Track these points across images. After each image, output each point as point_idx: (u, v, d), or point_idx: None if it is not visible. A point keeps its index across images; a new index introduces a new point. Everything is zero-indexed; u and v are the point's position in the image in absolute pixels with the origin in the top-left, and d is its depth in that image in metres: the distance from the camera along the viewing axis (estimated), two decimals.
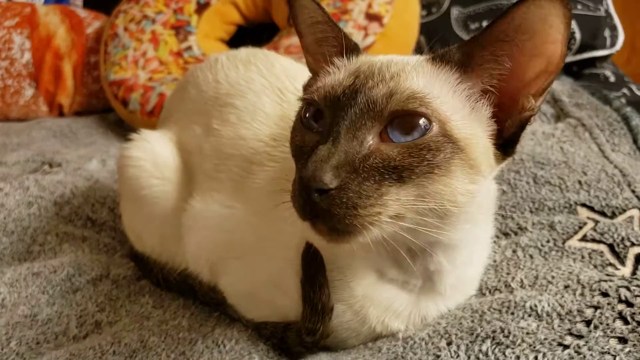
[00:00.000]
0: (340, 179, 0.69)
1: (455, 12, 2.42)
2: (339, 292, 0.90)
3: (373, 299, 0.90)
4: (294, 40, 2.24)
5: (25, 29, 2.73)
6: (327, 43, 0.87)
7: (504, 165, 0.83)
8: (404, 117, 0.72)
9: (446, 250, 0.85)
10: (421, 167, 0.70)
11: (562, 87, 1.82)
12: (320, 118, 0.78)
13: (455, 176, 0.73)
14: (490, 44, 0.74)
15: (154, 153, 1.18)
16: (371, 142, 0.72)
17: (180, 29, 2.53)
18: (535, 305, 0.91)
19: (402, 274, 0.89)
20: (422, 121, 0.71)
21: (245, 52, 1.22)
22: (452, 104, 0.75)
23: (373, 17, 2.17)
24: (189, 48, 2.48)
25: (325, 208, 0.69)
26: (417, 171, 0.70)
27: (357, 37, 2.13)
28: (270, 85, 1.10)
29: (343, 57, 0.85)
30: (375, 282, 0.90)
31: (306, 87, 0.90)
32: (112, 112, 2.61)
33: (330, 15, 0.86)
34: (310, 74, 0.93)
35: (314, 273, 0.89)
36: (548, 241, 1.10)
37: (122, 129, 2.34)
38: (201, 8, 2.57)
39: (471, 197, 0.76)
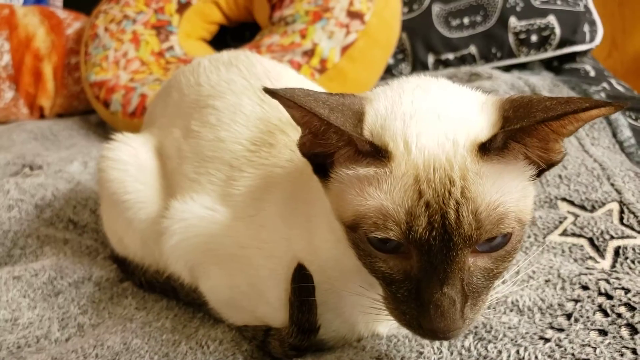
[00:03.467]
0: (464, 315, 0.70)
1: (436, 8, 2.43)
2: (328, 301, 0.89)
3: (362, 308, 0.87)
4: (275, 39, 2.23)
5: (3, 31, 2.70)
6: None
7: None
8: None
9: None
10: (512, 262, 0.74)
11: (542, 82, 1.83)
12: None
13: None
14: (538, 133, 0.70)
15: (139, 157, 1.17)
16: (470, 264, 0.71)
17: (162, 29, 2.51)
18: (517, 300, 0.92)
19: None
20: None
21: (227, 54, 1.21)
22: (517, 190, 0.71)
23: (354, 15, 2.17)
24: (171, 48, 2.47)
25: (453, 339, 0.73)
26: (509, 266, 0.74)
27: (338, 34, 2.14)
28: (251, 86, 1.09)
29: (360, 158, 0.74)
30: (363, 292, 0.88)
31: (301, 146, 0.78)
32: (93, 113, 2.59)
33: (331, 119, 0.71)
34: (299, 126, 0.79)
35: (305, 295, 0.88)
36: (529, 236, 1.11)
37: (104, 131, 2.33)
38: (182, 7, 2.56)
39: None
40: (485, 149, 0.69)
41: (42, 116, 2.76)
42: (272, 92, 0.72)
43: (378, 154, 0.71)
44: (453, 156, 0.69)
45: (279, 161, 0.97)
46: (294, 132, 0.97)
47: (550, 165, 0.75)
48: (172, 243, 1.04)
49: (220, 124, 1.06)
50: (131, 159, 1.17)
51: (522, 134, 0.69)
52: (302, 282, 0.88)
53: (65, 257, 1.38)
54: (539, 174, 0.75)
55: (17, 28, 2.71)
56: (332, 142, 0.74)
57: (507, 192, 0.69)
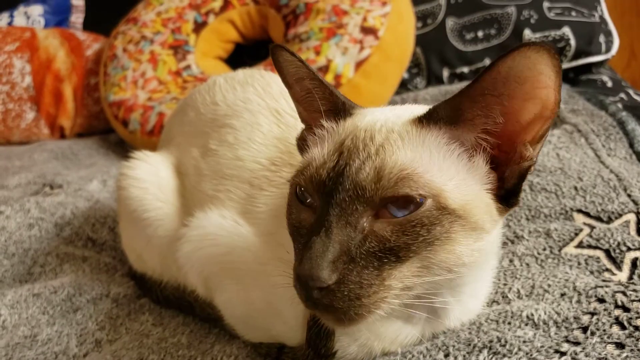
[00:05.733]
0: (338, 273, 0.67)
1: (450, 22, 2.43)
2: None
3: (378, 333, 0.88)
4: None
5: (25, 53, 2.76)
6: (316, 99, 0.84)
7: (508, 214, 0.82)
8: (396, 198, 0.69)
9: (452, 290, 0.83)
10: (417, 244, 0.69)
11: None
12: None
13: (457, 242, 0.71)
14: (479, 98, 0.71)
15: (159, 176, 1.18)
16: (365, 225, 0.69)
17: (179, 49, 2.55)
18: (532, 314, 0.91)
19: (407, 310, 0.84)
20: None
21: (242, 73, 1.22)
22: (445, 170, 0.72)
23: (368, 31, 2.18)
24: (188, 67, 2.50)
25: (328, 304, 0.68)
26: (414, 248, 0.69)
27: (352, 50, 2.15)
28: (267, 106, 1.10)
29: (332, 118, 0.82)
30: (380, 317, 0.88)
31: (299, 140, 0.87)
32: (113, 133, 2.63)
33: (316, 71, 0.82)
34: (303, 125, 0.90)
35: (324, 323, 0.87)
36: (544, 249, 1.10)
37: (123, 150, 2.36)
38: (199, 27, 2.59)
39: (479, 254, 0.74)
40: (423, 120, 0.74)
41: (62, 136, 2.81)
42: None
43: (344, 110, 0.82)
44: (389, 122, 0.76)
45: None
46: None
47: (520, 172, 0.75)
48: (188, 250, 1.05)
49: (239, 142, 1.07)
50: (151, 177, 1.18)
51: (463, 101, 0.72)
52: None
53: (84, 274, 1.40)
54: (512, 190, 0.76)
55: (38, 50, 2.77)
56: (317, 97, 0.84)
57: (427, 167, 0.71)
